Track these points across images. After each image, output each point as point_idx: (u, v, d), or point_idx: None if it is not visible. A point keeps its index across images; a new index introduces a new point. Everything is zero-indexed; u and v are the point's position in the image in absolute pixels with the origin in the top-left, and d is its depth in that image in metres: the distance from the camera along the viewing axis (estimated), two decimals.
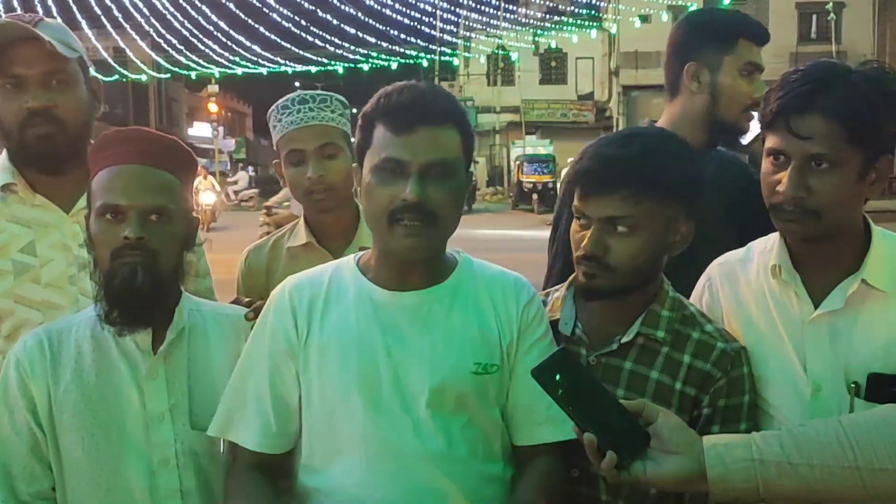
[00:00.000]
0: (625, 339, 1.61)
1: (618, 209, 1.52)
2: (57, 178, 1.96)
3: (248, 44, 34.92)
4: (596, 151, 1.57)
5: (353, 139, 1.73)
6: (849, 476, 1.26)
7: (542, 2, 35.22)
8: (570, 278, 1.75)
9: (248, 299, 1.87)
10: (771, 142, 1.52)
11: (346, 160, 2.11)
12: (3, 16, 1.98)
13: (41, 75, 1.88)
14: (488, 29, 35.76)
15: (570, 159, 1.95)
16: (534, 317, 1.55)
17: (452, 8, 35.19)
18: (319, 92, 2.15)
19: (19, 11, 2.03)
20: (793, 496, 1.29)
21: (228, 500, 1.52)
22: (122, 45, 33.61)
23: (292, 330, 1.51)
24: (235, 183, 30.54)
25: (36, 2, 24.96)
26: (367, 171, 1.47)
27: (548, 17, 34.99)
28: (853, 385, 1.51)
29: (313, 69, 37.14)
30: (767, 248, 1.66)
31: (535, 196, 25.77)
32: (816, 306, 1.55)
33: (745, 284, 1.69)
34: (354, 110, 1.52)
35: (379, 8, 33.05)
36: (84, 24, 30.20)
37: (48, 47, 1.87)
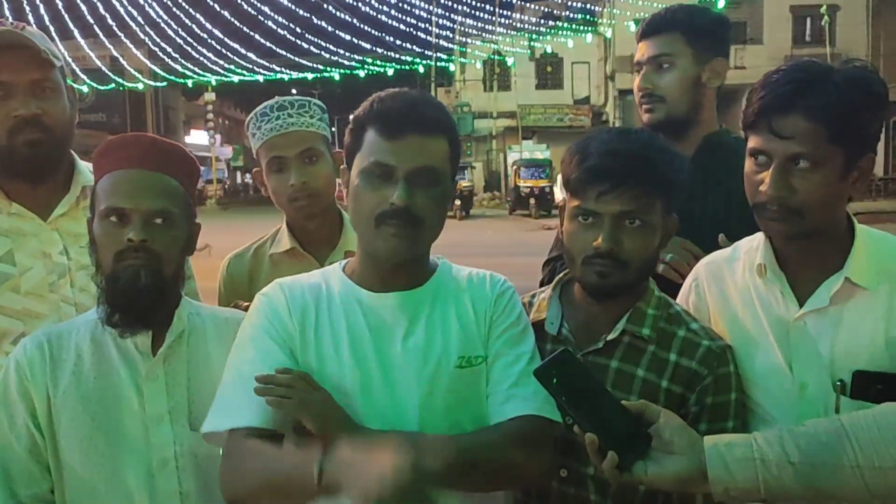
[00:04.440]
0: (610, 337, 1.63)
1: (631, 203, 1.55)
2: (35, 186, 1.97)
3: (243, 51, 35.00)
4: (604, 149, 1.57)
5: (336, 143, 1.72)
6: (850, 475, 1.27)
7: (537, 7, 35.27)
8: (557, 279, 1.76)
9: (246, 304, 1.87)
10: (753, 142, 1.53)
11: (327, 165, 2.12)
12: None
13: (29, 83, 1.90)
14: (484, 34, 35.83)
15: None
16: (504, 306, 1.56)
17: (448, 14, 35.30)
18: (298, 98, 2.15)
19: (10, 20, 2.04)
20: (795, 496, 1.30)
21: (236, 463, 1.42)
22: (115, 53, 33.63)
23: (289, 324, 1.51)
24: None
25: (27, 11, 24.99)
26: (354, 174, 1.49)
27: (543, 22, 35.06)
28: (839, 383, 1.52)
29: (310, 76, 37.21)
30: (753, 247, 1.67)
31: (532, 201, 25.74)
32: (802, 305, 1.57)
33: (731, 284, 1.70)
34: (352, 116, 1.53)
35: (374, 14, 33.13)
36: (78, 33, 30.25)
37: (42, 55, 1.88)
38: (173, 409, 1.63)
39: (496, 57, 35.06)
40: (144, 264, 1.56)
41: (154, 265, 1.57)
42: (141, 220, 1.57)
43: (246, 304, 1.88)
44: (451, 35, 37.31)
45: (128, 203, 1.57)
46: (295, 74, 37.54)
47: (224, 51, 35.10)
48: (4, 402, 1.63)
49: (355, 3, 33.55)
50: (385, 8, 33.40)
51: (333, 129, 2.24)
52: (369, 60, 36.81)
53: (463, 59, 37.55)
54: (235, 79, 37.12)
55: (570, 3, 34.47)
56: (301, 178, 2.07)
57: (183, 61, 35.45)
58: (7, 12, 23.12)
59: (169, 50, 34.62)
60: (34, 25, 2.04)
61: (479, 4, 33.75)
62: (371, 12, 33.67)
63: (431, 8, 34.47)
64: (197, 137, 46.35)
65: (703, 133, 2.27)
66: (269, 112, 2.11)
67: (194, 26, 32.92)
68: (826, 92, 1.45)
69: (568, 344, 1.65)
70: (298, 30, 34.64)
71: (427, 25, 35.67)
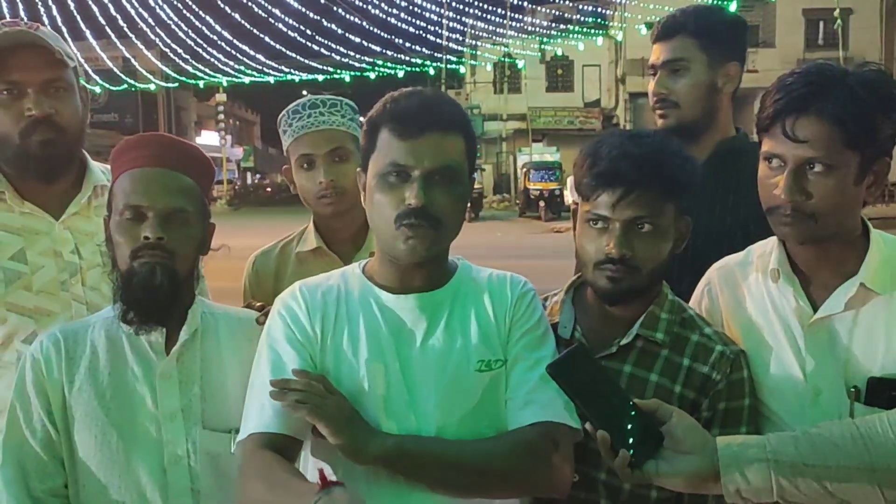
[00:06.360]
0: (624, 342, 1.62)
1: (642, 208, 1.54)
2: (47, 185, 1.99)
3: (253, 53, 35.19)
4: (614, 153, 1.55)
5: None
6: (864, 477, 1.26)
7: (548, 10, 35.28)
8: (570, 282, 1.75)
9: (259, 303, 1.88)
10: (767, 146, 1.52)
11: (356, 164, 2.11)
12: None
13: (42, 83, 1.91)
14: (494, 37, 35.84)
15: None
16: (525, 309, 1.54)
17: (458, 17, 35.36)
18: (330, 97, 2.17)
19: (25, 20, 2.05)
20: (807, 498, 1.29)
21: (245, 478, 1.43)
22: (127, 55, 33.85)
23: (308, 328, 1.51)
24: None
25: (41, 12, 25.18)
26: (371, 176, 1.48)
27: (554, 24, 35.06)
28: (853, 389, 1.50)
29: (320, 77, 37.35)
30: (766, 251, 1.66)
31: (542, 203, 25.73)
32: (816, 310, 1.55)
33: (744, 288, 1.69)
34: (362, 118, 1.53)
35: (384, 17, 33.22)
36: (90, 34, 30.47)
37: (56, 55, 1.89)
38: (186, 408, 1.64)
39: (507, 59, 35.07)
40: (160, 262, 1.58)
41: (169, 263, 1.59)
42: (157, 218, 1.58)
43: (258, 303, 1.88)
44: (461, 37, 37.39)
45: (144, 201, 1.59)
46: (305, 76, 37.70)
47: (235, 52, 35.34)
48: (21, 397, 1.65)
49: (364, 6, 33.68)
50: (395, 11, 33.52)
51: None
52: (379, 63, 36.94)
53: (473, 62, 37.59)
54: (246, 80, 37.32)
55: (580, 6, 34.47)
56: (329, 177, 2.08)
57: (194, 63, 35.69)
58: (21, 13, 23.31)
59: (180, 51, 34.90)
60: (48, 26, 2.05)
61: (489, 7, 33.83)
62: (381, 15, 33.80)
63: (442, 11, 34.55)
64: (208, 138, 46.54)
65: (717, 138, 2.26)
66: (300, 110, 2.13)
67: (205, 28, 33.16)
68: (841, 95, 1.44)
69: None
70: (308, 32, 34.82)
71: (437, 28, 35.77)
